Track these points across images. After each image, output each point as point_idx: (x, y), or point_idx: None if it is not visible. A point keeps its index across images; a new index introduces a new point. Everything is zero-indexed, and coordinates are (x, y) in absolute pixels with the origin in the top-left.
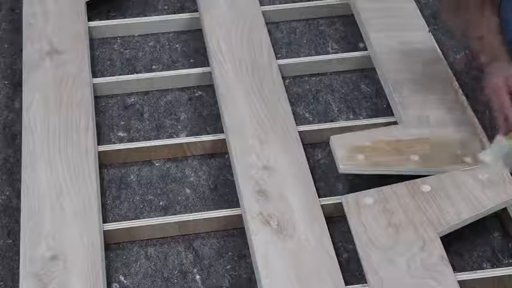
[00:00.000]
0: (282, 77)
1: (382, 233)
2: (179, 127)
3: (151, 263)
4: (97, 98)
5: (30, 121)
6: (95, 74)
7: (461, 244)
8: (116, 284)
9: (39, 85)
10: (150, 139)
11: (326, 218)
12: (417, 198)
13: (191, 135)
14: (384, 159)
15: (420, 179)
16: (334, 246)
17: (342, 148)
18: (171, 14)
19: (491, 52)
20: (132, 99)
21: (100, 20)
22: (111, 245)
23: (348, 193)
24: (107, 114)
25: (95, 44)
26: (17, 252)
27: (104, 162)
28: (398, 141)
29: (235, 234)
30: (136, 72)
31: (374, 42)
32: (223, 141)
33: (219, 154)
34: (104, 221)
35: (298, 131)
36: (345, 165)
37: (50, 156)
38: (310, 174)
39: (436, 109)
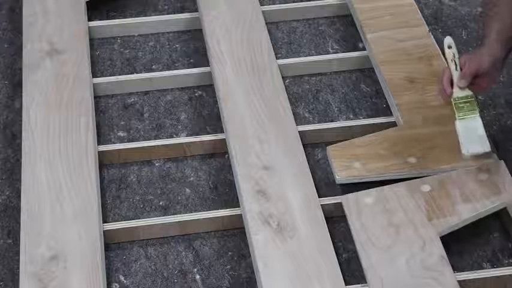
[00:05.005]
0: (282, 77)
1: (382, 232)
2: (179, 127)
3: (151, 262)
4: (97, 98)
5: (30, 121)
6: (95, 74)
7: (461, 244)
8: (115, 284)
9: (39, 85)
10: (150, 139)
11: (326, 218)
12: (417, 198)
13: (191, 135)
14: (381, 164)
15: (420, 179)
16: (334, 246)
17: (339, 158)
18: (171, 14)
19: (485, 35)
20: (132, 99)
21: (100, 20)
22: (111, 245)
23: (347, 193)
24: (107, 114)
25: (95, 44)
26: (17, 252)
27: (104, 162)
28: (395, 145)
29: (235, 234)
30: (137, 72)
31: (371, 42)
32: (223, 141)
33: (219, 154)
34: (104, 221)
35: (298, 131)
36: (342, 176)
37: (50, 156)
38: (310, 174)
39: (434, 109)
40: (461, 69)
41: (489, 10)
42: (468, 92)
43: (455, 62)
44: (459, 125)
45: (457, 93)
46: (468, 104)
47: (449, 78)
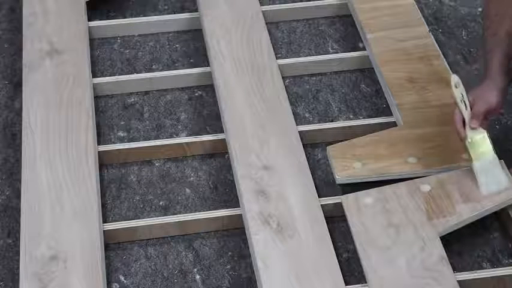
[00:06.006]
0: (282, 77)
1: (382, 232)
2: (179, 127)
3: (151, 262)
4: (97, 98)
5: (30, 121)
6: (95, 74)
7: (461, 244)
8: (115, 284)
9: (39, 85)
10: (150, 139)
11: (326, 218)
12: (417, 198)
13: (191, 135)
14: (381, 165)
15: (420, 179)
16: (334, 246)
17: (339, 158)
18: (171, 14)
19: (487, 68)
20: (132, 99)
21: (100, 20)
22: (111, 245)
23: (347, 193)
24: (107, 114)
25: (95, 44)
26: (17, 252)
27: (104, 162)
28: (395, 145)
29: (235, 234)
30: (137, 72)
31: (371, 42)
32: (223, 141)
33: (219, 154)
34: (104, 221)
35: (298, 131)
36: (342, 176)
37: (50, 156)
38: (310, 174)
39: (434, 109)
40: (471, 108)
41: (489, 38)
42: (481, 131)
43: (464, 103)
44: (476, 166)
45: (470, 133)
46: (482, 143)
47: (462, 120)
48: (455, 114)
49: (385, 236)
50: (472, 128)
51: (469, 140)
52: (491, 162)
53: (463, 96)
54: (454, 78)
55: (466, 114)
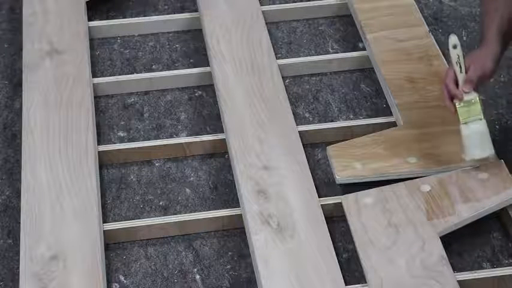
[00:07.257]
0: (282, 77)
1: (381, 232)
2: (179, 127)
3: (151, 262)
4: (97, 98)
5: (30, 121)
6: (95, 74)
7: (461, 244)
8: (115, 284)
9: (39, 85)
10: (150, 139)
11: (326, 218)
12: (417, 198)
13: (191, 135)
14: (381, 164)
15: (420, 178)
16: (334, 246)
17: (339, 158)
18: (171, 14)
19: (485, 34)
20: (132, 99)
21: (100, 20)
22: (111, 245)
23: (347, 193)
24: (107, 114)
25: (95, 44)
26: (17, 252)
27: (104, 162)
28: (395, 145)
29: (235, 234)
30: (137, 72)
31: (371, 42)
32: (223, 141)
33: (219, 154)
34: (104, 221)
35: (298, 131)
36: (342, 176)
37: (50, 156)
38: (310, 174)
39: (434, 109)
40: (466, 71)
41: (488, 6)
42: (472, 95)
43: (459, 64)
44: (463, 129)
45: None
46: (473, 107)
47: (454, 80)
48: (447, 73)
49: (385, 236)
50: (465, 92)
51: (460, 103)
52: (479, 126)
53: (459, 58)
54: (453, 39)
55: (461, 77)
